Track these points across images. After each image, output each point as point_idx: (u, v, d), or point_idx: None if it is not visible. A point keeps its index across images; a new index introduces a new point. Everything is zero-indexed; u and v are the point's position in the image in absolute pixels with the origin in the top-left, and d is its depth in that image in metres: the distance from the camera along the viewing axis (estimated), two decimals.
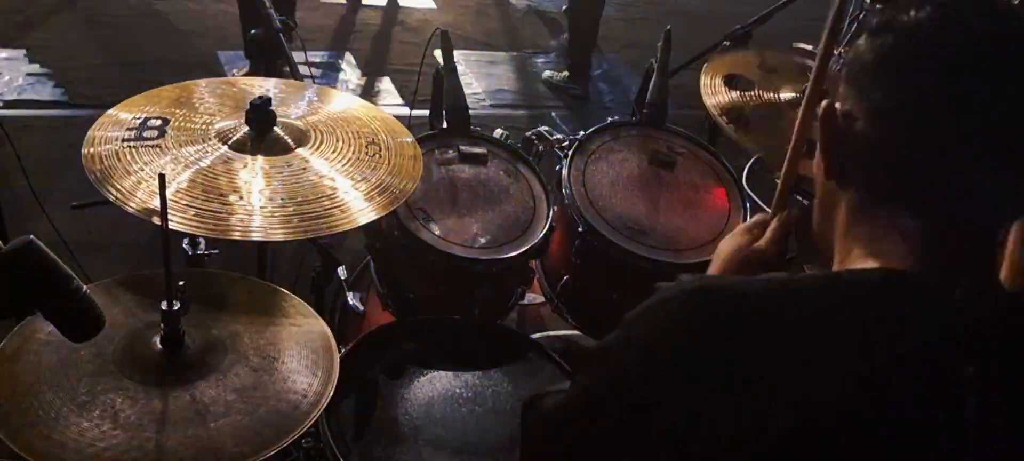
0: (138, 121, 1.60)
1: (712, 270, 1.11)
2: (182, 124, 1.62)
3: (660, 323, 0.79)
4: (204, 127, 1.62)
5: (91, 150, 1.52)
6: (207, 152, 1.56)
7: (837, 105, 0.82)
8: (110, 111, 1.63)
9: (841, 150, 0.82)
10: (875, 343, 0.70)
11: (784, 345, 0.71)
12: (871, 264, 0.78)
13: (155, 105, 1.67)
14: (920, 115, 0.75)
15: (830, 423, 0.68)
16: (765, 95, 2.28)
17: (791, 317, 0.73)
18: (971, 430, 0.68)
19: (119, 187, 1.45)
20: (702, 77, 2.30)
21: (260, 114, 1.60)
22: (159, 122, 1.60)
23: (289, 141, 1.62)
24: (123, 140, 1.55)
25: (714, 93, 2.25)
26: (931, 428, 0.68)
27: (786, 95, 2.30)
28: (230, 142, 1.58)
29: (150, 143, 1.55)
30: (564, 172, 2.10)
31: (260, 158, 1.57)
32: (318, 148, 1.64)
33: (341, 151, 1.65)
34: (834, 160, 0.83)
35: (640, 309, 0.81)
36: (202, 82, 1.79)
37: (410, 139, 1.77)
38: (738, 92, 2.27)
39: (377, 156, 1.67)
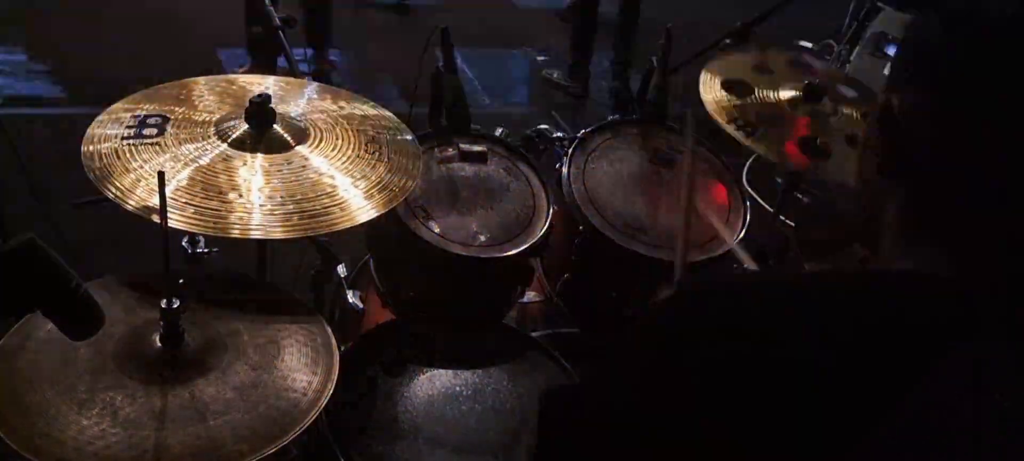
0: (137, 119, 1.60)
1: None
2: (181, 122, 1.62)
3: (655, 337, 0.77)
4: (203, 125, 1.62)
5: (90, 148, 1.52)
6: (206, 150, 1.55)
7: (893, 98, 0.76)
8: (109, 109, 1.63)
9: (897, 144, 0.77)
10: (883, 348, 0.69)
11: (778, 367, 0.70)
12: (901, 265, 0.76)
13: (154, 103, 1.66)
14: (988, 120, 0.70)
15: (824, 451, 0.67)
16: (767, 99, 2.28)
17: (792, 325, 0.71)
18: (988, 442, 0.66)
19: (118, 185, 1.45)
20: (703, 83, 2.30)
21: (260, 111, 1.60)
22: (158, 119, 1.60)
23: (289, 139, 1.62)
24: (122, 138, 1.55)
25: (717, 104, 2.25)
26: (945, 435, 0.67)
27: (785, 94, 2.30)
28: (229, 140, 1.58)
29: (149, 141, 1.55)
30: (564, 170, 2.10)
31: (260, 156, 1.57)
32: (318, 146, 1.64)
33: (341, 149, 1.65)
34: (888, 155, 0.78)
35: (637, 324, 0.81)
36: (202, 80, 1.79)
37: (410, 137, 1.77)
38: (739, 98, 2.26)
39: (377, 154, 1.67)
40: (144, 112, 1.62)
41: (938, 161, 0.74)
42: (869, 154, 0.81)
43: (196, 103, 1.69)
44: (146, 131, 1.57)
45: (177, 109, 1.65)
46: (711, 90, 2.28)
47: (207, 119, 1.64)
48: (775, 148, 2.13)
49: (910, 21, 0.80)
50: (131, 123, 1.59)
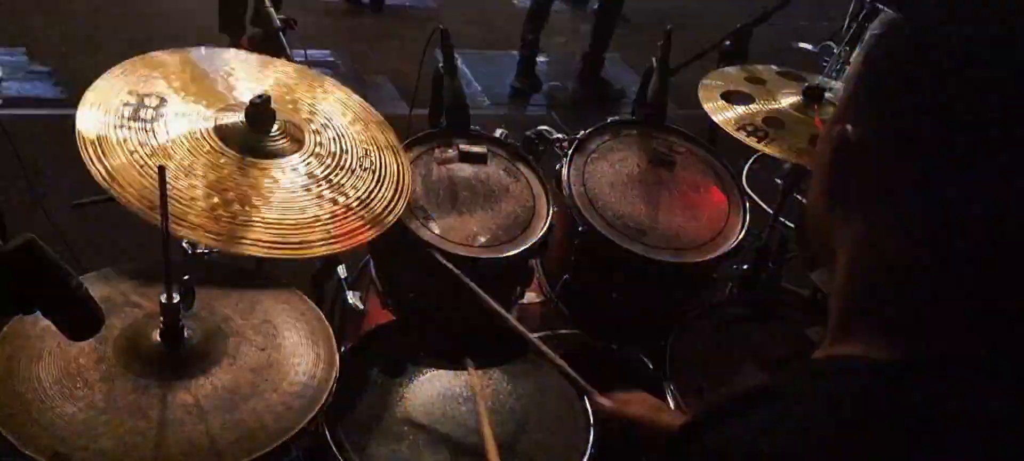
0: (132, 104, 1.57)
1: None
2: (182, 98, 1.59)
3: None
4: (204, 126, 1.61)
5: (87, 142, 1.48)
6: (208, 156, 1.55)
7: (849, 126, 0.68)
8: (97, 84, 1.58)
9: (851, 177, 0.69)
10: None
11: None
12: (880, 344, 0.67)
13: (145, 78, 1.62)
14: (957, 153, 0.62)
15: None
16: (767, 106, 2.29)
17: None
18: None
19: (120, 186, 1.45)
20: (702, 98, 2.31)
21: (260, 113, 1.60)
22: (156, 102, 1.58)
23: (286, 145, 1.62)
24: (114, 126, 1.52)
25: (721, 111, 2.26)
26: None
27: (787, 100, 2.31)
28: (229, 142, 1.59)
29: (147, 125, 1.53)
30: (564, 171, 2.10)
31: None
32: (313, 154, 1.63)
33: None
34: (840, 188, 0.70)
35: None
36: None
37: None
38: (742, 107, 2.27)
39: (371, 169, 1.68)
40: (140, 94, 1.59)
41: (897, 205, 0.66)
42: (818, 189, 0.73)
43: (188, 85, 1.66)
44: (143, 112, 1.55)
45: (173, 82, 1.62)
46: (712, 101, 2.29)
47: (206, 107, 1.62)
48: (792, 151, 2.14)
49: (876, 38, 0.71)
50: (128, 102, 1.56)
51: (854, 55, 3.65)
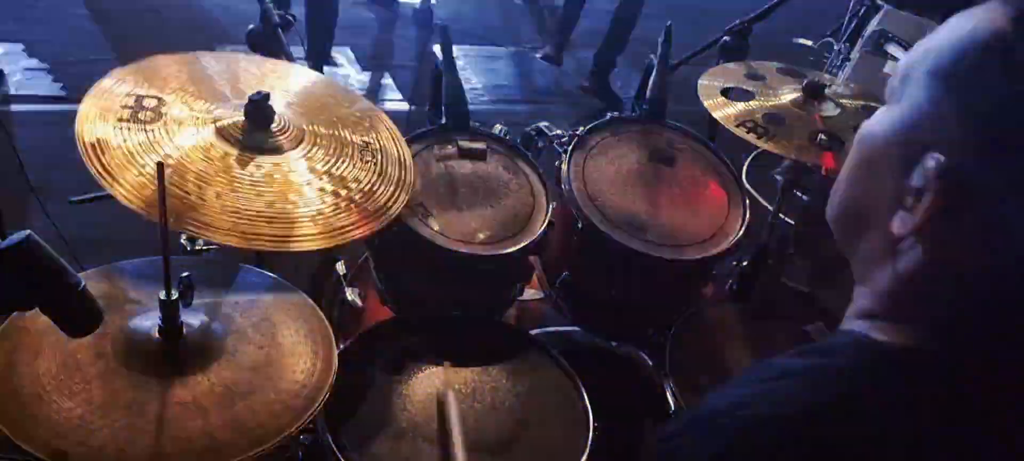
0: (132, 99, 1.58)
1: None
2: (180, 99, 1.59)
3: None
4: (204, 114, 1.61)
5: (86, 136, 1.48)
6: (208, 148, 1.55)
7: (940, 156, 0.64)
8: (102, 82, 1.59)
9: (944, 213, 0.65)
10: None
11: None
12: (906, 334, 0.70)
13: (148, 80, 1.63)
14: None
15: None
16: (767, 102, 2.28)
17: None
18: None
19: (119, 182, 1.45)
20: (702, 95, 2.31)
21: (258, 110, 1.60)
22: (154, 102, 1.58)
23: (284, 142, 1.61)
24: (119, 119, 1.52)
25: (721, 108, 2.25)
26: None
27: (787, 97, 2.30)
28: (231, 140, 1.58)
29: (146, 125, 1.54)
30: (563, 167, 2.10)
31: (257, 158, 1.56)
32: (312, 152, 1.63)
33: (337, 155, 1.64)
34: (930, 223, 0.66)
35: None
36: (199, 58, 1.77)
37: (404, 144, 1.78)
38: (742, 103, 2.27)
39: (372, 161, 1.67)
40: (138, 92, 1.59)
41: (1007, 240, 0.63)
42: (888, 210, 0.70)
43: (190, 85, 1.66)
44: (141, 114, 1.55)
45: (172, 86, 1.62)
46: (712, 96, 2.29)
47: (205, 104, 1.62)
48: (791, 148, 2.14)
49: (966, 68, 0.66)
50: (127, 102, 1.57)
51: (854, 51, 3.64)
